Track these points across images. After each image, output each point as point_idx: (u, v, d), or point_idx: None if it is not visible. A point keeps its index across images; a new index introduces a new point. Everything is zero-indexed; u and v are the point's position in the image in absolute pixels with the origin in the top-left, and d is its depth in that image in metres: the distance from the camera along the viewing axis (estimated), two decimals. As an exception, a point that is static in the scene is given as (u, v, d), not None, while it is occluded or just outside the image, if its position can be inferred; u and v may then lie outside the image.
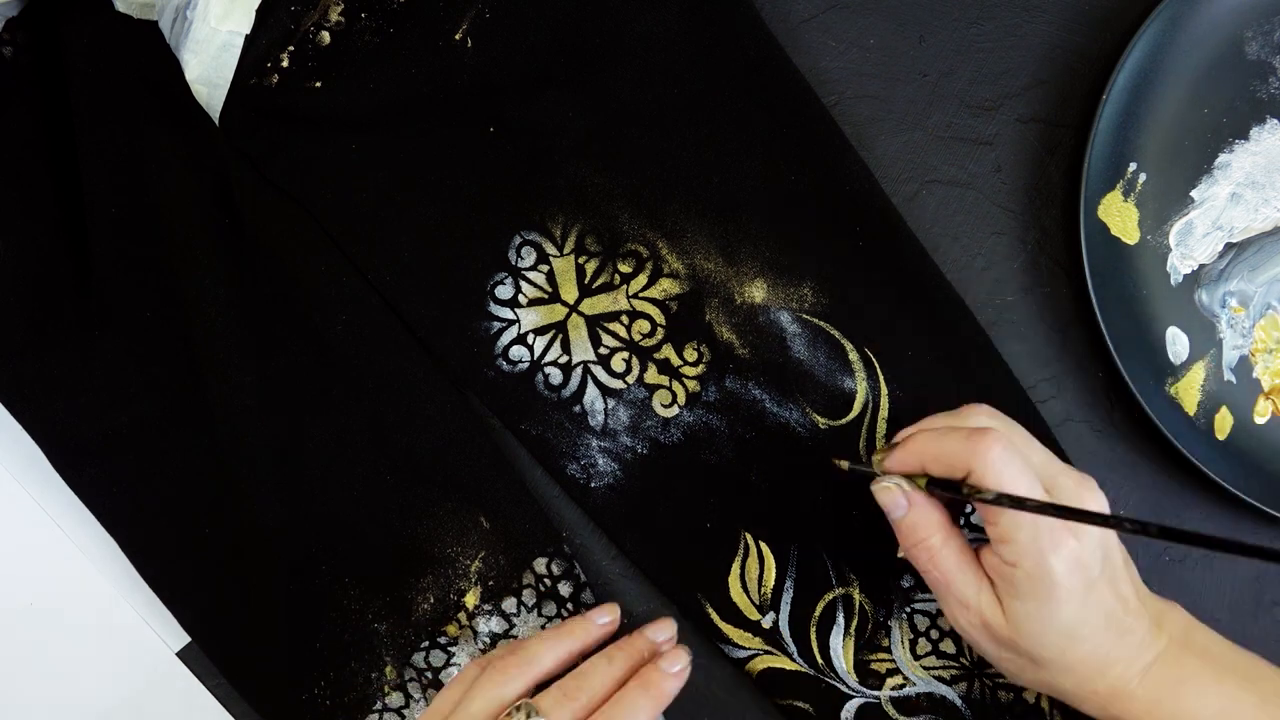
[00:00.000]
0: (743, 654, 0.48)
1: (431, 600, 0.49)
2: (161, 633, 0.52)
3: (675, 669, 0.44)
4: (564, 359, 0.49)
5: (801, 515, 0.48)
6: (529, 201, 0.49)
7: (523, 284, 0.49)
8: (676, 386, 0.49)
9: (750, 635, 0.48)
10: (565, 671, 0.44)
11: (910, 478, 0.42)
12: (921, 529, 0.41)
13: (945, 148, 0.50)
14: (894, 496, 0.42)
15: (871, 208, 0.48)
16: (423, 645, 0.49)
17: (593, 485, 0.49)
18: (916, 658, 0.48)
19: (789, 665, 0.48)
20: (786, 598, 0.48)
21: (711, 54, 0.48)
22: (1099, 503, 0.40)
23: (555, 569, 0.49)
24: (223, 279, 0.49)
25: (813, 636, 0.48)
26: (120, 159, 0.50)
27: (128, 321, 0.50)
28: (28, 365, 0.49)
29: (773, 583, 0.48)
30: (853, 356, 0.48)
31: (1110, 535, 0.40)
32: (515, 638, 0.49)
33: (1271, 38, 0.49)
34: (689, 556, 0.48)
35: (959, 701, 0.48)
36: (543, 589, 0.49)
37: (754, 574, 0.48)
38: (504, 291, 0.49)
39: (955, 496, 0.40)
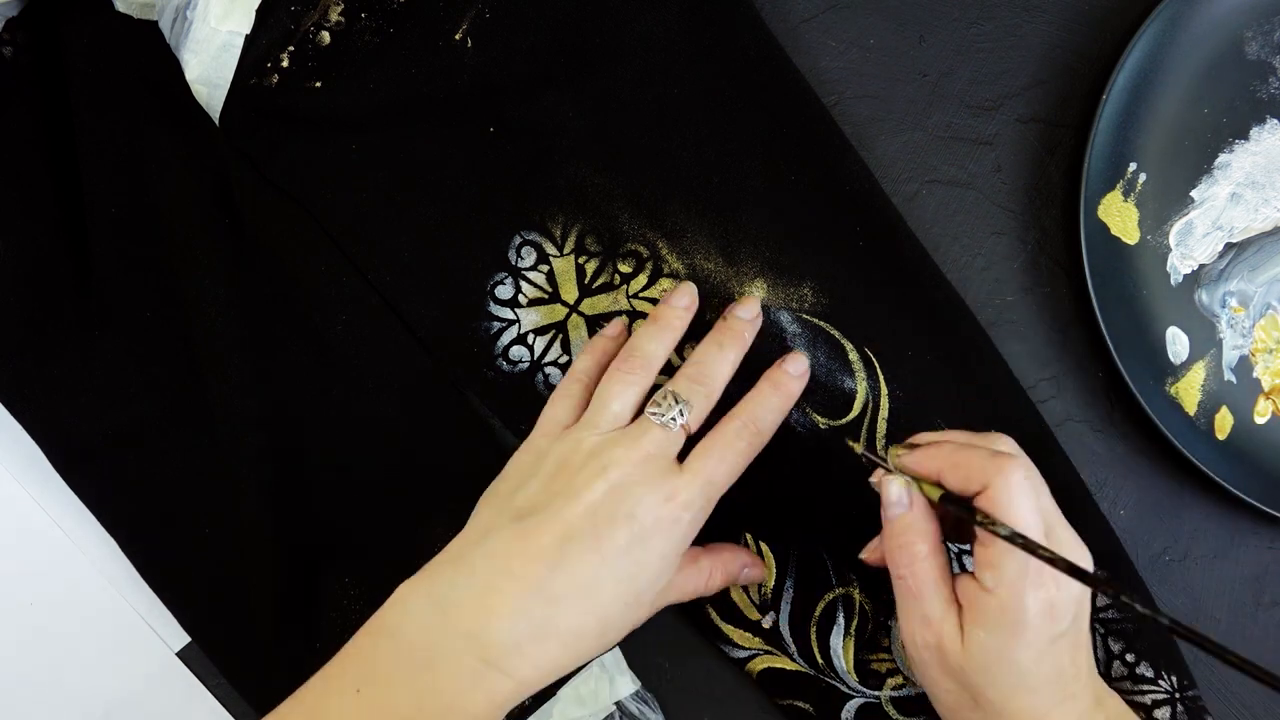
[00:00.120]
0: (743, 654, 0.48)
1: (431, 600, 0.49)
2: (161, 633, 0.52)
3: (799, 370, 0.46)
4: (564, 359, 0.49)
5: (802, 515, 0.48)
6: (529, 201, 0.49)
7: (523, 284, 0.49)
8: (676, 386, 0.49)
9: (750, 635, 0.48)
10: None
11: (919, 484, 0.41)
12: (913, 532, 0.40)
13: (945, 148, 0.50)
14: (895, 492, 0.41)
15: (871, 208, 0.48)
16: (423, 645, 0.49)
17: (593, 485, 0.49)
18: (916, 658, 0.48)
19: (789, 665, 0.48)
20: (787, 597, 0.48)
21: (711, 54, 0.48)
22: (1089, 562, 0.40)
23: (555, 569, 0.49)
24: (223, 279, 0.49)
25: (813, 636, 0.48)
26: (120, 159, 0.50)
27: (128, 321, 0.50)
28: (28, 365, 0.49)
29: (773, 582, 0.48)
30: (853, 356, 0.48)
31: (1085, 601, 0.40)
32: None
33: (1271, 38, 0.49)
34: (689, 556, 0.48)
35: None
36: (543, 589, 0.49)
37: (754, 574, 0.48)
38: (504, 291, 0.49)
39: (967, 517, 0.39)
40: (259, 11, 0.48)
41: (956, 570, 0.42)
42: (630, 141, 0.49)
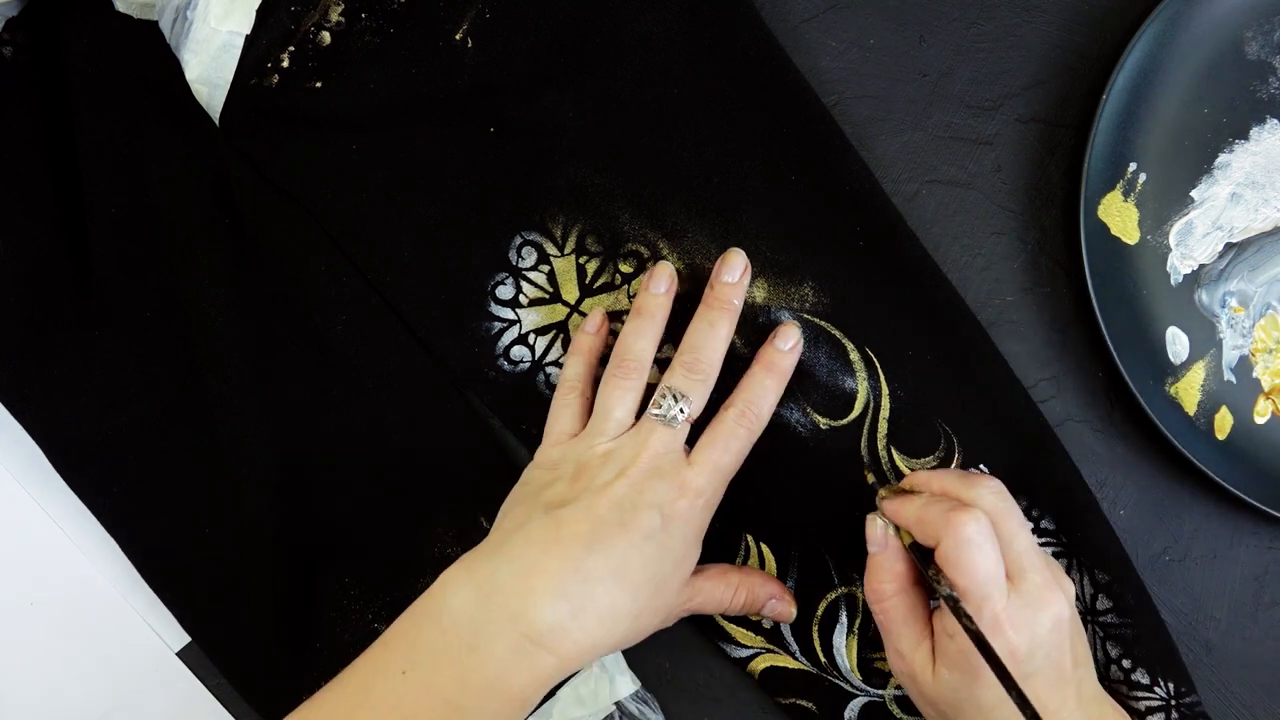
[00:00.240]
0: (745, 653, 0.48)
1: (432, 600, 0.49)
2: (161, 633, 0.52)
3: (789, 345, 0.46)
4: (565, 359, 0.49)
5: (803, 515, 0.48)
6: (529, 201, 0.49)
7: (524, 284, 0.49)
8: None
9: (752, 634, 0.48)
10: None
11: (896, 528, 0.43)
12: (884, 573, 0.42)
13: (945, 148, 0.50)
14: (875, 532, 0.43)
15: (872, 208, 0.48)
16: (423, 645, 0.49)
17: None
18: (917, 657, 0.48)
19: (792, 664, 0.48)
20: (787, 597, 0.48)
21: (711, 54, 0.48)
22: (1060, 604, 0.40)
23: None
24: (223, 279, 0.49)
25: (815, 635, 0.48)
26: (120, 159, 0.50)
27: (128, 321, 0.50)
28: (28, 365, 0.49)
29: (773, 582, 0.48)
30: (853, 356, 0.48)
31: (1064, 639, 0.40)
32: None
33: (1271, 38, 0.49)
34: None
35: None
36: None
37: (755, 574, 0.48)
38: (505, 292, 0.49)
39: (923, 570, 0.41)
40: (259, 11, 0.48)
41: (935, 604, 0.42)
42: (630, 141, 0.49)
